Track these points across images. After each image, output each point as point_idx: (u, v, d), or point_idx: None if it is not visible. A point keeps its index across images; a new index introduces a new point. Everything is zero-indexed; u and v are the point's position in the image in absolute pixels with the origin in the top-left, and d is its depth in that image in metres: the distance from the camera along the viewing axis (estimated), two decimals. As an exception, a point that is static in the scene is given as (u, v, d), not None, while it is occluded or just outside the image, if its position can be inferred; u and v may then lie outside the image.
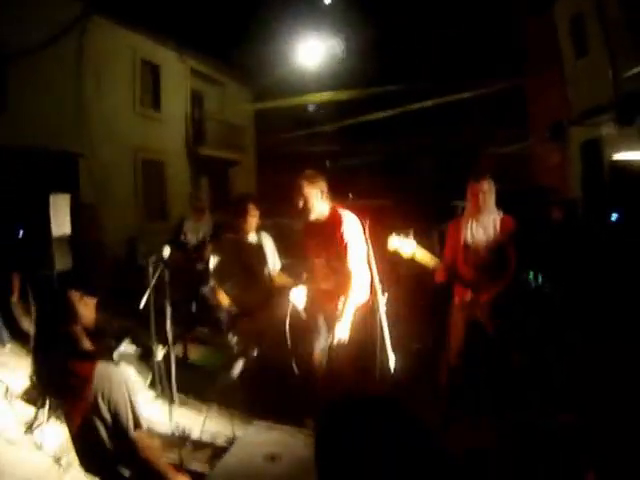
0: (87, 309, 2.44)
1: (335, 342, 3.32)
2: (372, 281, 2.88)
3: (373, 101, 16.43)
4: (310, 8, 15.14)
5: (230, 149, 17.27)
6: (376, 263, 2.91)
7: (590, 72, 11.23)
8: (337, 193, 3.72)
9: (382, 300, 2.84)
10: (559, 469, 2.88)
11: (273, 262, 4.38)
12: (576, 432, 3.14)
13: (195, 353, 5.56)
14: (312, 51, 14.41)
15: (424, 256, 3.36)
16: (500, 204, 3.64)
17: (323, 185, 3.50)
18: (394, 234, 3.28)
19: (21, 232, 5.59)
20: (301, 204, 3.47)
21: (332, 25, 15.01)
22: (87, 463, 2.35)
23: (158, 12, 12.90)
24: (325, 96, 15.93)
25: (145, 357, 4.42)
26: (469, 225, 3.52)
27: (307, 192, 3.44)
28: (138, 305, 3.63)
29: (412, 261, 3.38)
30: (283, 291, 3.77)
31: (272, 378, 4.13)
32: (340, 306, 3.33)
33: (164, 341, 3.93)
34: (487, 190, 3.48)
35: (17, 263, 5.41)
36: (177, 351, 5.12)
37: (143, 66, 13.05)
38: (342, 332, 3.30)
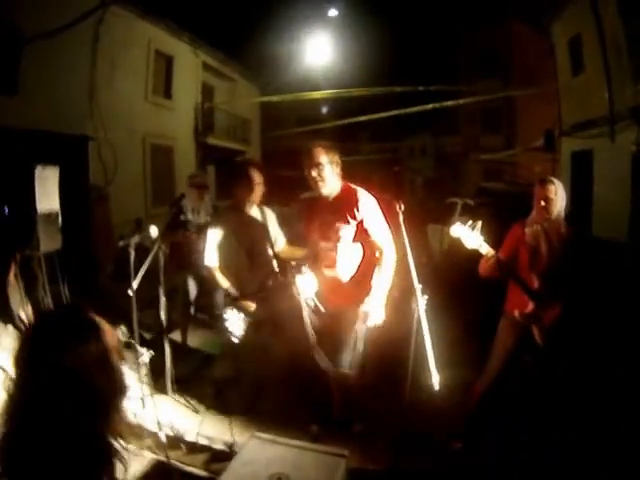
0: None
1: (370, 327, 2.75)
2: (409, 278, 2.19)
3: (374, 101, 16.02)
4: (318, 12, 14.79)
5: (236, 140, 16.99)
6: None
7: (585, 89, 10.76)
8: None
9: (422, 302, 2.08)
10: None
11: (276, 238, 3.51)
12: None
13: (195, 339, 5.02)
14: (319, 52, 13.91)
15: (488, 252, 2.79)
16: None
17: (338, 158, 2.87)
18: (459, 223, 2.71)
19: (6, 210, 4.89)
20: (314, 174, 2.80)
21: (339, 28, 14.62)
22: None
23: (175, 6, 12.50)
24: (328, 94, 15.43)
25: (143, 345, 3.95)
26: (534, 230, 2.97)
27: (322, 161, 2.79)
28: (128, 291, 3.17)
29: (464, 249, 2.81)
30: (289, 270, 2.93)
31: (274, 375, 3.61)
32: (373, 286, 2.76)
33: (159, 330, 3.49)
34: (553, 194, 2.89)
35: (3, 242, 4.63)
36: (176, 337, 4.67)
37: (157, 56, 12.56)
38: (378, 315, 2.73)
